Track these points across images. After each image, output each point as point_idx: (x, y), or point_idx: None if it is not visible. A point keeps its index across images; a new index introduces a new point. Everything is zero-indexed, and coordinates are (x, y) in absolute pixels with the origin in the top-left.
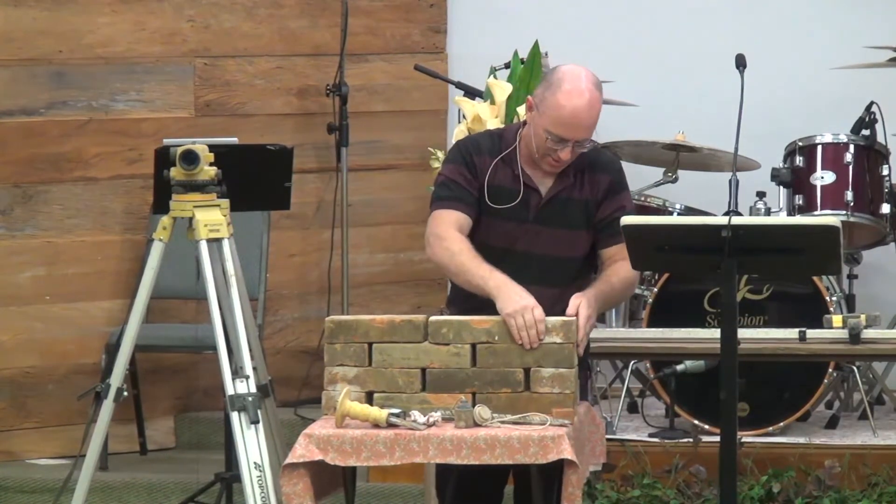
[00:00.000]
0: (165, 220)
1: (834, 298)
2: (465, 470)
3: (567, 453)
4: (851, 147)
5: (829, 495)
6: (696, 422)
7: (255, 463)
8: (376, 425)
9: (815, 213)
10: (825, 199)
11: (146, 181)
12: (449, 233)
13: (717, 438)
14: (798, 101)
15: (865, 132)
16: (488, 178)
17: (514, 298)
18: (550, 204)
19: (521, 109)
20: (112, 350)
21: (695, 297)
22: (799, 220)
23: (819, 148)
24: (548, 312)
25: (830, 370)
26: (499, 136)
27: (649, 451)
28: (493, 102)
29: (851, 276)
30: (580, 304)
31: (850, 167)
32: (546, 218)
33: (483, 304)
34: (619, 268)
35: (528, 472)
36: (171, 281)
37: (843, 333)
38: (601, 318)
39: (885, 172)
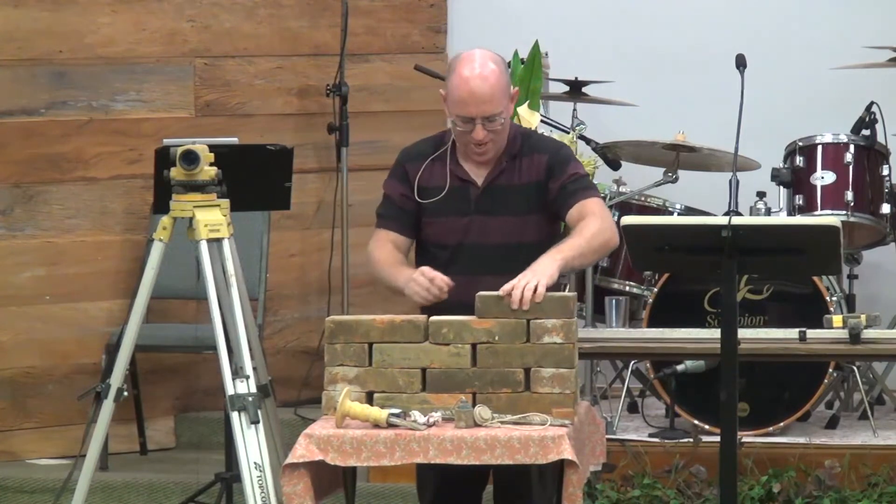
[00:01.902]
0: (165, 220)
1: (834, 298)
2: (446, 474)
3: (567, 453)
4: (851, 147)
5: (829, 495)
6: (696, 422)
7: (255, 463)
8: (376, 425)
9: (816, 213)
10: (825, 199)
11: (146, 181)
12: (377, 247)
13: (717, 438)
14: (798, 101)
15: (865, 132)
16: (418, 179)
17: (409, 279)
18: (489, 193)
19: (522, 109)
20: (112, 350)
21: (695, 297)
22: (799, 220)
23: (819, 148)
24: None
25: (830, 370)
26: (439, 138)
27: (649, 451)
28: None
29: (851, 276)
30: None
31: (851, 167)
32: (488, 207)
33: (448, 310)
34: (584, 224)
35: (507, 472)
36: (171, 281)
37: (843, 333)
38: (601, 318)
39: (885, 172)
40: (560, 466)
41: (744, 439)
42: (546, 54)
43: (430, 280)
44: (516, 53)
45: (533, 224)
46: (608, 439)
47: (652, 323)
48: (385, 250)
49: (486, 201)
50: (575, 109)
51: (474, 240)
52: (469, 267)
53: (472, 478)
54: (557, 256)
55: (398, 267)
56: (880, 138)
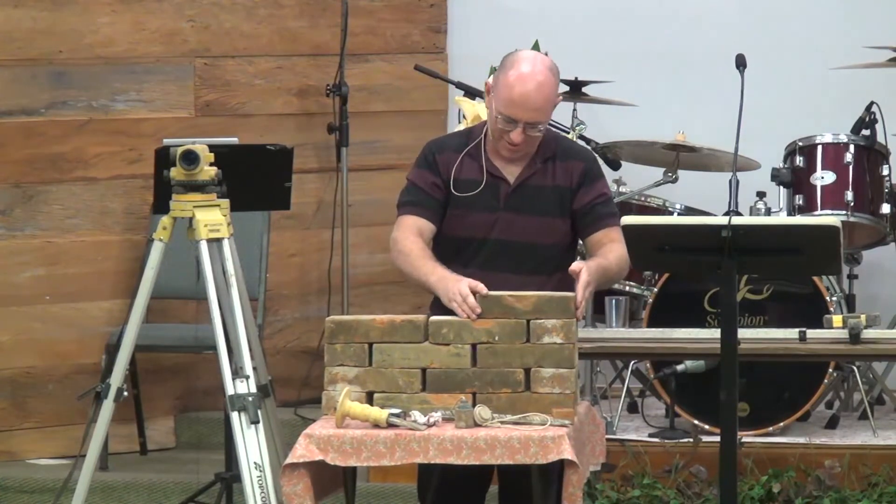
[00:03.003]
0: (165, 220)
1: (834, 298)
2: (448, 473)
3: (567, 453)
4: (851, 147)
5: (829, 495)
6: (696, 422)
7: (255, 463)
8: (376, 425)
9: (816, 213)
10: (825, 199)
11: (146, 181)
12: (405, 236)
13: (717, 438)
14: (798, 101)
15: (865, 132)
16: (454, 171)
17: (449, 286)
18: (520, 191)
19: None
20: (112, 350)
21: (695, 297)
22: (799, 220)
23: (819, 148)
24: None
25: (830, 370)
26: (467, 133)
27: (649, 451)
28: None
29: (851, 276)
30: (582, 267)
31: (850, 167)
32: (517, 205)
33: None
34: (610, 248)
35: (512, 472)
36: (171, 281)
37: (843, 333)
38: (601, 318)
39: (885, 172)
40: (562, 466)
41: (744, 439)
42: (546, 54)
43: (466, 299)
44: None
45: (557, 226)
46: (608, 439)
47: (652, 323)
48: (412, 240)
49: (516, 199)
50: (575, 109)
51: (498, 236)
52: (488, 263)
53: (473, 478)
54: (595, 271)
55: (430, 262)
56: (880, 138)
